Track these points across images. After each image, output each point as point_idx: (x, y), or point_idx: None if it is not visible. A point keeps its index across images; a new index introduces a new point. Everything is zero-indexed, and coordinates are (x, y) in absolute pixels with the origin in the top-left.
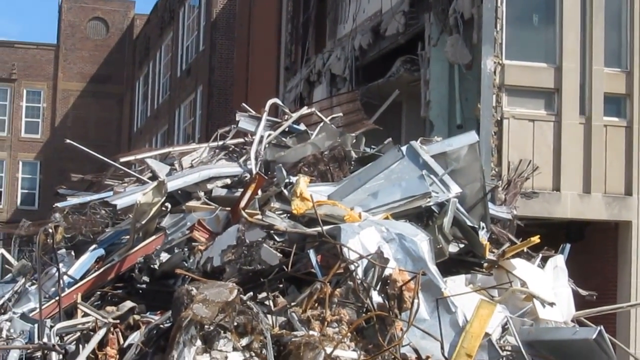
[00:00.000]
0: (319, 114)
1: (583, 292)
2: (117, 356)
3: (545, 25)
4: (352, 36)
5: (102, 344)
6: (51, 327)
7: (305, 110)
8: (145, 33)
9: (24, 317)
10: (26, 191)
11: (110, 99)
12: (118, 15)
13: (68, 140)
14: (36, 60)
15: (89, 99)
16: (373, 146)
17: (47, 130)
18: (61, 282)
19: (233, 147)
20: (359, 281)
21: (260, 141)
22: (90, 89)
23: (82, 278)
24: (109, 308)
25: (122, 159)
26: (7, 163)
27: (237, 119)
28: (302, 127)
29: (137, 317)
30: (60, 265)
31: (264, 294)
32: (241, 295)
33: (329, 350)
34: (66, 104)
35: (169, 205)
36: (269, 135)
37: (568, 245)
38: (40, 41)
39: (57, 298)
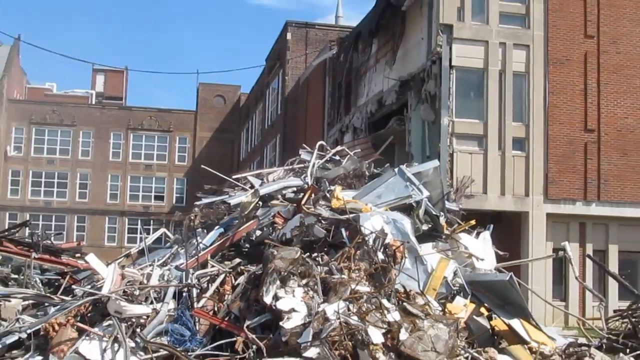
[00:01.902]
0: (347, 150)
1: (500, 253)
2: (231, 291)
3: (477, 98)
4: (366, 104)
5: (222, 284)
6: (193, 273)
7: (338, 148)
8: (247, 103)
9: (177, 268)
10: (178, 195)
11: (226, 142)
12: (231, 93)
13: (203, 166)
14: (183, 119)
15: (214, 142)
16: (378, 168)
17: (190, 160)
18: (199, 247)
19: (298, 169)
20: (370, 246)
21: (313, 166)
22: (215, 136)
23: (211, 245)
24: (226, 262)
25: (234, 177)
26: (167, 179)
27: (300, 153)
28: (337, 157)
29: (242, 267)
30: (198, 238)
31: (315, 254)
32: (302, 255)
33: (353, 286)
34: (201, 144)
35: (261, 203)
36: (318, 162)
37: (491, 226)
38: (185, 108)
39: (196, 257)
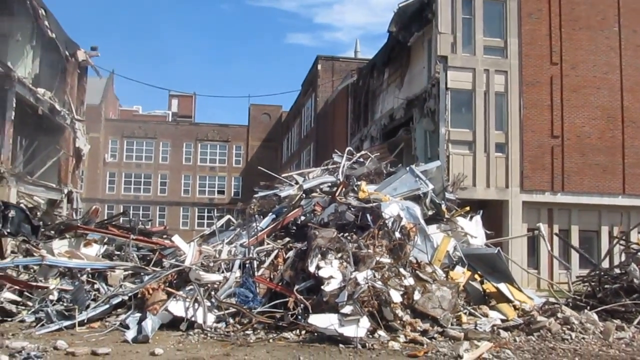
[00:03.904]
0: (369, 154)
1: (488, 232)
2: (283, 263)
3: (467, 112)
4: (380, 119)
5: (276, 257)
6: (253, 249)
7: (362, 152)
8: (287, 119)
9: (241, 245)
10: (235, 190)
11: (271, 149)
12: (274, 111)
13: (259, 167)
14: (238, 132)
15: (261, 149)
16: (393, 168)
17: (244, 163)
18: (257, 229)
19: (331, 169)
20: (389, 227)
21: (343, 166)
22: (262, 144)
23: (266, 227)
24: (278, 241)
25: (283, 175)
26: (226, 178)
27: (332, 156)
28: (361, 160)
29: (291, 244)
30: (256, 222)
31: (347, 234)
32: (337, 235)
33: (377, 258)
34: (252, 151)
35: (304, 195)
36: (347, 163)
37: (481, 211)
38: (239, 123)
39: (255, 236)
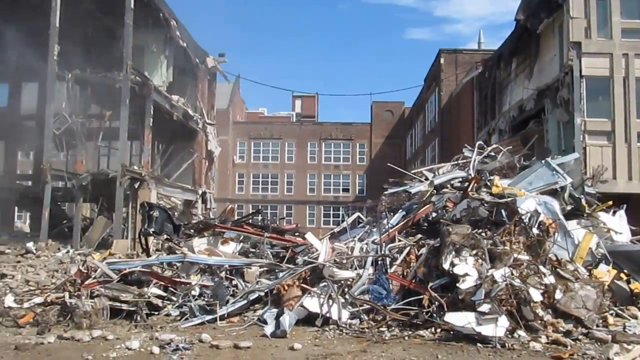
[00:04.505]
0: (501, 147)
1: (633, 228)
2: (415, 259)
3: (605, 100)
4: (508, 111)
5: (408, 254)
6: (385, 246)
7: (494, 146)
8: (410, 115)
9: (373, 242)
10: (360, 188)
11: (394, 146)
12: (397, 108)
13: (387, 164)
14: (361, 130)
15: (385, 146)
16: (526, 161)
17: (368, 160)
18: (388, 226)
19: (462, 164)
20: (526, 223)
21: (474, 161)
22: (385, 142)
23: (397, 224)
24: (410, 237)
25: (412, 171)
26: (351, 176)
27: (462, 151)
28: (492, 154)
29: (423, 241)
30: (386, 219)
31: (480, 230)
32: (471, 231)
33: (515, 255)
34: (375, 148)
35: (435, 191)
36: (478, 158)
37: (624, 205)
38: (362, 121)
39: (386, 233)
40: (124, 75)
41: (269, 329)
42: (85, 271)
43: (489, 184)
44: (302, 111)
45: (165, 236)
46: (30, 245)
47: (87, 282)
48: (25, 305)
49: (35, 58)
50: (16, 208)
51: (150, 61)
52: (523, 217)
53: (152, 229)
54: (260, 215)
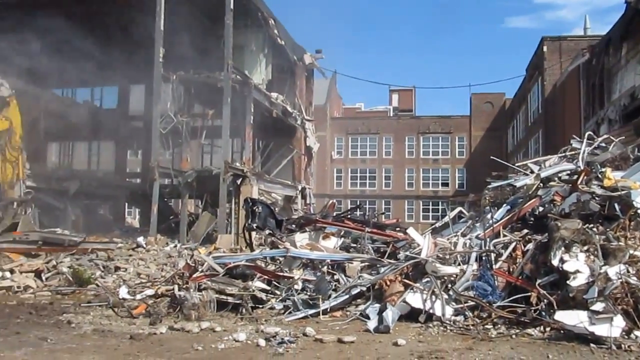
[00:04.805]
0: (612, 137)
1: None
2: (521, 255)
3: None
4: (619, 99)
5: (514, 250)
6: (490, 241)
7: (605, 136)
8: (511, 106)
9: (477, 237)
10: (459, 182)
11: (495, 139)
12: (497, 99)
13: (489, 157)
14: (460, 123)
15: (485, 139)
16: None
17: (467, 154)
18: (492, 220)
19: (569, 155)
20: None
21: (584, 152)
22: (485, 134)
23: (501, 219)
24: (515, 233)
25: (517, 164)
26: (450, 170)
27: (570, 142)
28: (603, 144)
29: (529, 236)
30: (490, 213)
31: (591, 225)
32: (582, 225)
33: (631, 251)
34: (475, 141)
35: (542, 184)
36: (587, 149)
37: None
38: (461, 114)
39: (490, 228)
40: (225, 75)
41: (372, 324)
42: (193, 265)
43: (600, 176)
44: (399, 105)
45: (267, 231)
46: (140, 239)
47: (194, 276)
48: (138, 296)
49: (142, 61)
50: (126, 205)
51: (250, 60)
52: (639, 211)
53: (256, 224)
54: (360, 210)
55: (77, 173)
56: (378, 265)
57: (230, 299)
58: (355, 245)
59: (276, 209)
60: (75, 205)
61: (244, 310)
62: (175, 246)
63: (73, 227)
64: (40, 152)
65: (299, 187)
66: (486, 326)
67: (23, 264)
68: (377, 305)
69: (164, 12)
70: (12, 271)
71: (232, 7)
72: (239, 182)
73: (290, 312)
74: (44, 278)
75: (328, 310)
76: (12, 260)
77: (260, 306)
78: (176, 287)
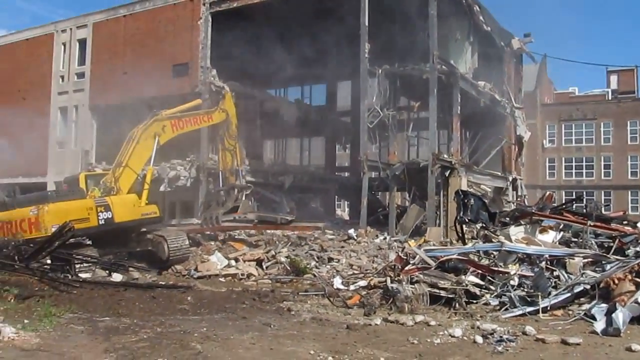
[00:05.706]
0: None
1: None
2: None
3: None
4: None
5: None
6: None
7: None
8: None
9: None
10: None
11: None
12: None
13: None
14: None
15: None
16: None
17: None
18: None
19: None
20: None
21: None
22: None
23: None
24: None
25: None
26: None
27: None
28: None
29: None
30: None
31: None
32: None
33: None
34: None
35: None
36: None
37: None
38: None
39: None
40: (430, 66)
41: (599, 325)
42: (404, 257)
43: None
44: (618, 87)
45: (480, 224)
46: (351, 231)
47: (406, 268)
48: (351, 287)
49: (348, 57)
50: (336, 197)
51: (455, 49)
52: None
53: (468, 217)
54: (581, 201)
55: (290, 168)
56: (603, 262)
57: (442, 293)
58: (576, 239)
59: (486, 201)
60: (289, 198)
61: (457, 305)
62: (385, 238)
63: None
64: (257, 149)
65: (510, 178)
66: None
67: (246, 253)
68: (604, 306)
69: (368, 7)
70: (236, 260)
71: None
72: (447, 174)
73: (506, 309)
74: (264, 267)
75: (548, 308)
76: (236, 250)
77: (474, 301)
78: (388, 279)
